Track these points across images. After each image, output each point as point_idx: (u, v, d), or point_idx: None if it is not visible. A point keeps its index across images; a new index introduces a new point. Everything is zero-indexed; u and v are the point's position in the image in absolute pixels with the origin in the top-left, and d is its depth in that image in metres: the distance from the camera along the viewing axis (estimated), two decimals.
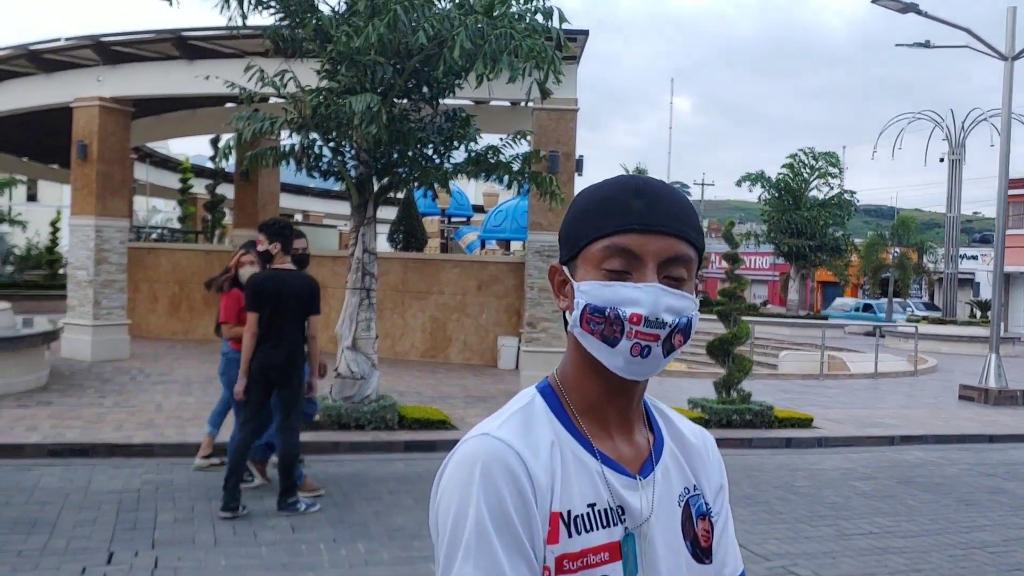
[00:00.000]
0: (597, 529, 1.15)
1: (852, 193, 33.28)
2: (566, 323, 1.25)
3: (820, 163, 32.40)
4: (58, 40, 14.15)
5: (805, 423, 10.80)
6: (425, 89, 9.37)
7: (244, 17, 9.03)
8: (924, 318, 29.83)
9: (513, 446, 1.12)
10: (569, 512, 1.13)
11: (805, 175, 32.55)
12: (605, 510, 1.16)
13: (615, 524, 1.16)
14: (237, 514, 6.30)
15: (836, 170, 32.58)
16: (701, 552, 1.25)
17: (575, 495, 1.15)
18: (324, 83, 8.95)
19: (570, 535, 1.13)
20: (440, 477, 1.16)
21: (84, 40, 13.84)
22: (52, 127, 17.42)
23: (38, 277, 31.76)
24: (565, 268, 1.22)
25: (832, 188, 32.89)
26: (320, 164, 9.70)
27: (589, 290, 1.16)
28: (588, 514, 1.15)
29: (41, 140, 20.72)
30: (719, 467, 1.34)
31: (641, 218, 1.15)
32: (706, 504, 1.29)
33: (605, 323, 1.14)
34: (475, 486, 1.09)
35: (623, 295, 1.13)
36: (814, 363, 18.46)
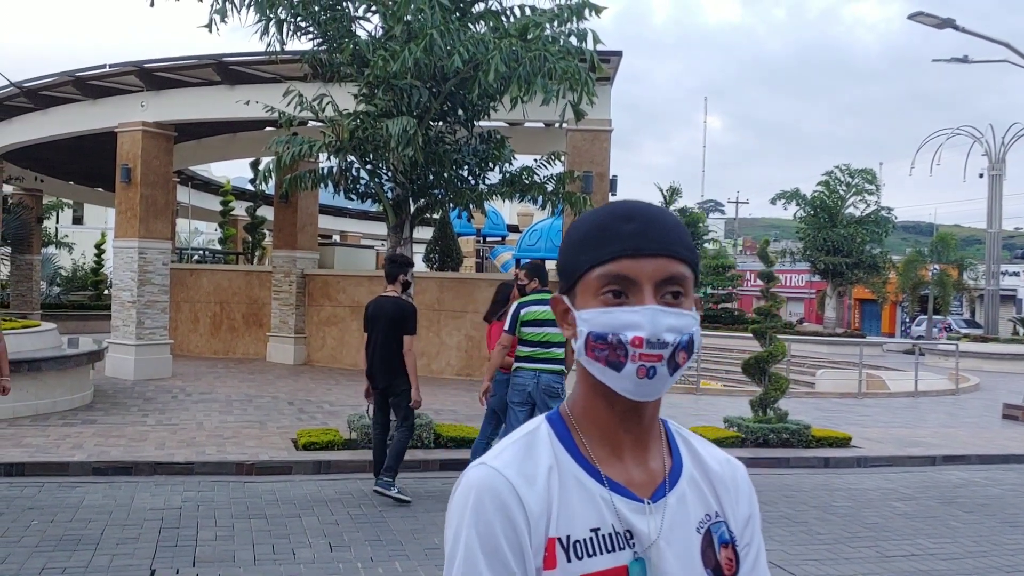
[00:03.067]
0: (601, 553, 1.16)
1: (889, 210, 32.95)
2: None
3: (856, 180, 32.12)
4: (103, 67, 14.52)
5: (843, 442, 10.68)
6: (460, 112, 9.49)
7: (283, 43, 9.21)
8: (965, 335, 29.34)
9: (506, 475, 1.16)
10: (568, 537, 1.15)
11: (841, 192, 32.28)
12: (610, 534, 1.17)
13: (621, 548, 1.17)
14: (389, 494, 7.47)
15: (873, 187, 32.27)
16: None
17: (576, 520, 1.17)
18: (361, 107, 9.09)
19: (569, 559, 1.15)
20: (449, 504, 1.21)
21: (128, 66, 14.18)
22: (97, 151, 17.82)
23: (83, 298, 32.32)
24: (565, 298, 1.24)
25: (869, 205, 32.60)
26: (358, 186, 9.84)
27: (590, 318, 1.18)
28: (591, 539, 1.16)
29: (87, 164, 21.19)
30: (748, 497, 1.33)
31: (633, 242, 1.17)
32: (730, 532, 1.28)
33: (609, 349, 1.16)
34: (467, 514, 1.15)
35: (623, 320, 1.16)
36: (852, 381, 18.23)
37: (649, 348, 1.14)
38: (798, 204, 32.81)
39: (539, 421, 1.26)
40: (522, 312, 7.41)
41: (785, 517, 7.61)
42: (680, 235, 1.21)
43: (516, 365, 7.36)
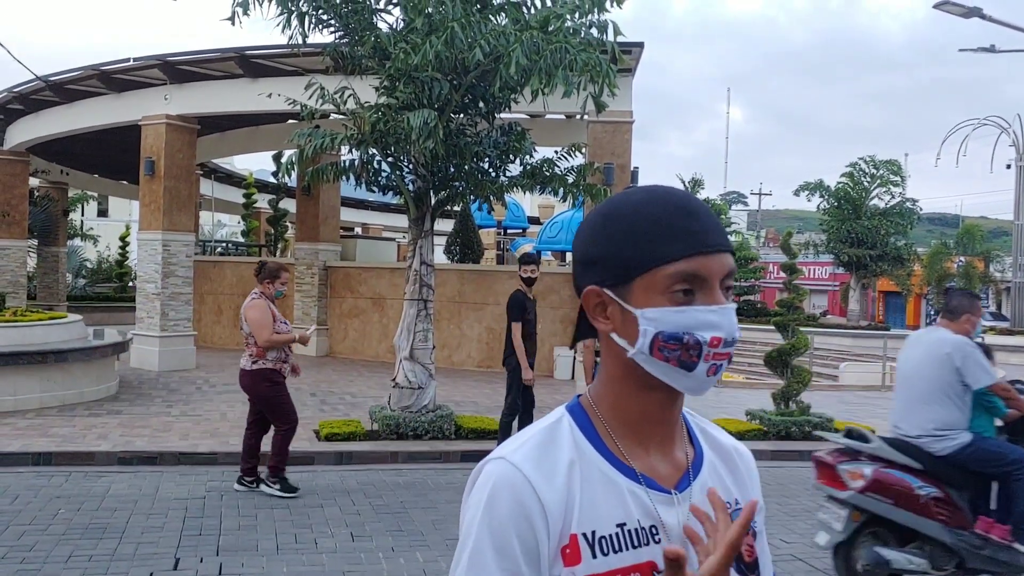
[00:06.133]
0: (627, 549, 1.14)
1: (914, 201, 32.56)
2: (574, 340, 1.30)
3: (881, 171, 31.79)
4: (127, 60, 14.64)
5: None
6: (481, 104, 9.48)
7: (304, 36, 9.24)
8: (991, 328, 29.02)
9: (524, 471, 1.14)
10: (593, 533, 1.14)
11: (865, 184, 31.96)
12: (636, 530, 1.16)
13: (646, 544, 1.16)
14: None
15: (898, 178, 31.92)
16: (746, 567, 1.23)
17: (602, 515, 1.15)
18: (383, 99, 9.11)
19: (594, 555, 1.13)
20: (470, 484, 1.20)
21: (151, 60, 14.29)
22: (122, 144, 17.98)
23: (108, 290, 32.64)
24: (609, 291, 1.19)
25: (894, 196, 32.27)
26: (379, 179, 9.87)
27: (659, 317, 1.14)
28: (617, 535, 1.15)
29: (111, 157, 21.38)
30: (758, 485, 1.35)
31: (705, 239, 1.15)
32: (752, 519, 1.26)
33: (682, 349, 1.13)
34: (481, 511, 1.14)
35: (701, 320, 1.13)
36: (876, 374, 18.11)
37: (724, 347, 1.13)
38: (822, 196, 32.55)
39: (560, 412, 1.24)
40: None
41: (807, 510, 7.58)
42: (723, 227, 1.21)
43: None
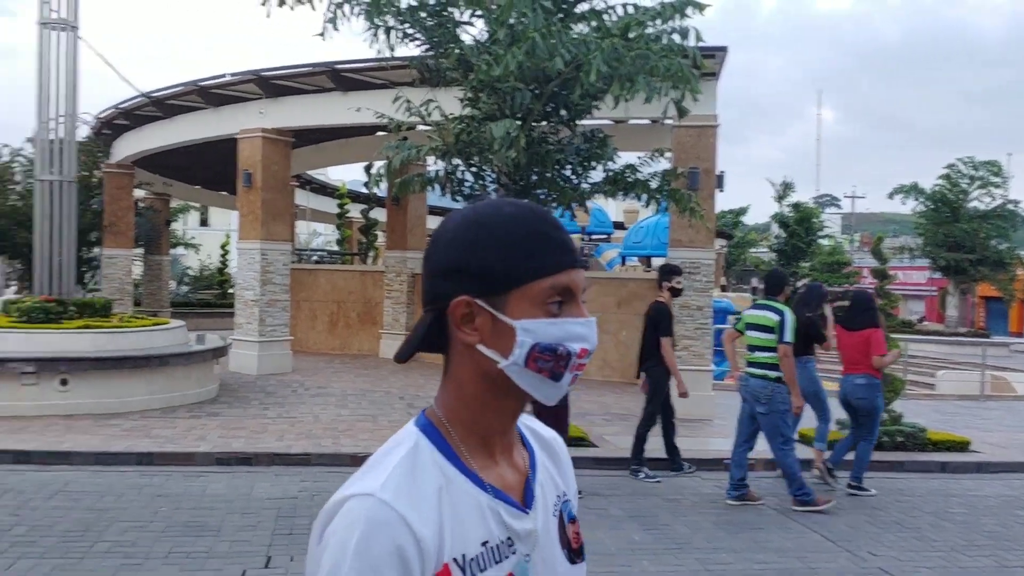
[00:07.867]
0: (492, 566, 1.14)
1: (1017, 203, 31.28)
2: (404, 355, 1.26)
3: (980, 172, 30.61)
4: (223, 76, 15.20)
5: (962, 446, 10.26)
6: (563, 112, 9.55)
7: (392, 49, 9.47)
8: None
9: (398, 509, 1.08)
10: (464, 556, 1.12)
11: (964, 185, 30.82)
12: (497, 546, 1.16)
13: (506, 557, 1.16)
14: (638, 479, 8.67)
15: (999, 179, 30.70)
16: (574, 554, 1.28)
17: (469, 536, 1.14)
18: (466, 110, 9.27)
19: None
20: (323, 526, 1.12)
21: (247, 75, 14.80)
22: (220, 157, 18.65)
23: (210, 296, 33.69)
24: (480, 302, 1.16)
25: (994, 198, 31.02)
26: (463, 188, 10.03)
27: (536, 329, 1.14)
28: (483, 554, 1.14)
29: (211, 169, 22.19)
30: (572, 473, 1.40)
31: (573, 255, 1.17)
32: (573, 507, 1.33)
33: (555, 360, 1.14)
34: (351, 555, 1.05)
35: (573, 332, 1.15)
36: (974, 383, 17.45)
37: (587, 358, 1.17)
38: (916, 198, 31.54)
39: (414, 434, 1.20)
40: (743, 315, 8.12)
41: (897, 522, 7.40)
42: None
43: None
